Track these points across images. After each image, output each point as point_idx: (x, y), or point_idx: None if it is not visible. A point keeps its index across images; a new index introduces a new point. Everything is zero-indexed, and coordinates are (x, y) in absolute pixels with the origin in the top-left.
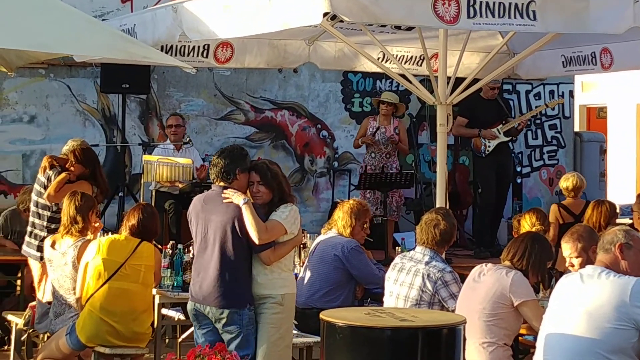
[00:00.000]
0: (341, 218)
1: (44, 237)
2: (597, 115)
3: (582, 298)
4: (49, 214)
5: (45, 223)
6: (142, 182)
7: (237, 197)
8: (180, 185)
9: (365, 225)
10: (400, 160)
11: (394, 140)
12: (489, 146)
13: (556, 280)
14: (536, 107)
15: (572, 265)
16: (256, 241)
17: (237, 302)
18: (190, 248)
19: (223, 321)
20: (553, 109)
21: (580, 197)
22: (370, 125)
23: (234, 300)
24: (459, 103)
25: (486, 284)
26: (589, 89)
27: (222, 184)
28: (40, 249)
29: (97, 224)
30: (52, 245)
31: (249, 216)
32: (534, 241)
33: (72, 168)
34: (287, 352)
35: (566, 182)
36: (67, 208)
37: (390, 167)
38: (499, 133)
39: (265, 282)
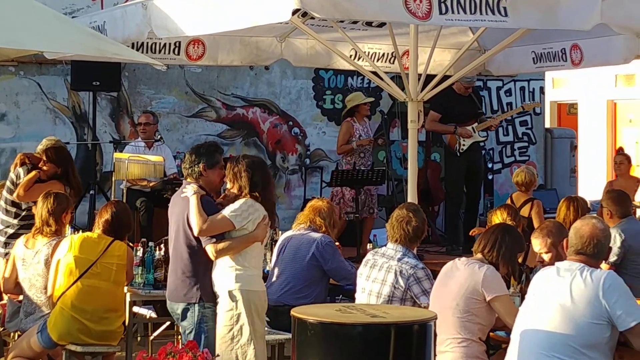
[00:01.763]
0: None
1: (10, 234)
2: (567, 112)
3: (557, 292)
4: (14, 210)
5: (14, 221)
6: (113, 180)
7: (189, 190)
8: (150, 184)
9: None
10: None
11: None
12: (464, 145)
13: (526, 276)
14: (508, 103)
15: (542, 261)
16: (195, 233)
17: (188, 297)
18: (162, 246)
19: (178, 316)
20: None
21: (531, 193)
22: (356, 128)
23: (186, 295)
24: (432, 98)
25: (459, 280)
26: (560, 85)
27: (189, 179)
28: (6, 245)
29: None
30: (25, 243)
31: (192, 207)
32: (505, 232)
33: (44, 167)
34: (245, 350)
35: (516, 177)
36: (41, 210)
37: (372, 165)
38: (475, 131)
39: (218, 278)
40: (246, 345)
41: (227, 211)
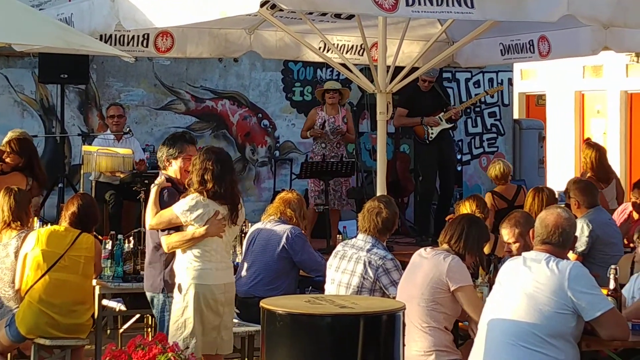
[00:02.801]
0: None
1: None
2: (536, 103)
3: (523, 282)
4: None
5: None
6: (81, 172)
7: (156, 181)
8: (121, 176)
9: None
10: None
11: (341, 131)
12: (432, 133)
13: (494, 266)
14: (476, 94)
15: (510, 251)
16: (146, 225)
17: (154, 287)
18: (131, 238)
19: (150, 304)
20: (492, 96)
21: (510, 182)
22: (319, 116)
23: (152, 285)
24: (399, 93)
25: (424, 270)
26: (528, 76)
27: (162, 170)
28: None
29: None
30: None
31: (149, 200)
32: (471, 223)
33: (7, 159)
34: (187, 343)
35: (494, 170)
36: (7, 204)
37: (341, 156)
38: (442, 120)
39: (176, 270)
40: (188, 338)
41: (176, 206)
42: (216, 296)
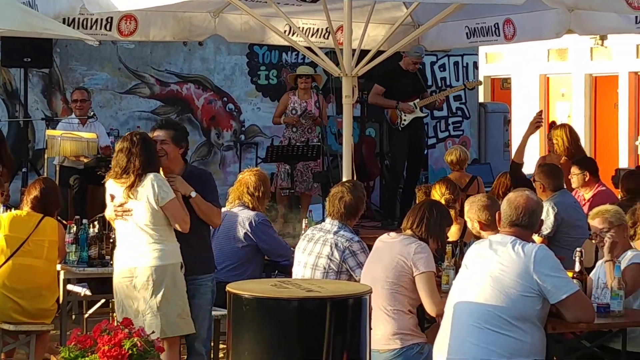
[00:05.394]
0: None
1: None
2: (501, 86)
3: (489, 265)
4: None
5: None
6: (45, 157)
7: None
8: (85, 160)
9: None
10: None
11: (313, 116)
12: (405, 120)
13: (460, 250)
14: (442, 81)
15: (477, 235)
16: None
17: None
18: (95, 223)
19: None
20: (473, 88)
21: (465, 170)
22: (291, 100)
23: None
24: (369, 73)
25: (390, 253)
26: (493, 60)
27: None
28: None
29: None
30: None
31: None
32: (432, 207)
33: None
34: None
35: (450, 155)
36: None
37: (312, 140)
38: (416, 108)
39: None
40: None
41: None
42: (120, 280)
